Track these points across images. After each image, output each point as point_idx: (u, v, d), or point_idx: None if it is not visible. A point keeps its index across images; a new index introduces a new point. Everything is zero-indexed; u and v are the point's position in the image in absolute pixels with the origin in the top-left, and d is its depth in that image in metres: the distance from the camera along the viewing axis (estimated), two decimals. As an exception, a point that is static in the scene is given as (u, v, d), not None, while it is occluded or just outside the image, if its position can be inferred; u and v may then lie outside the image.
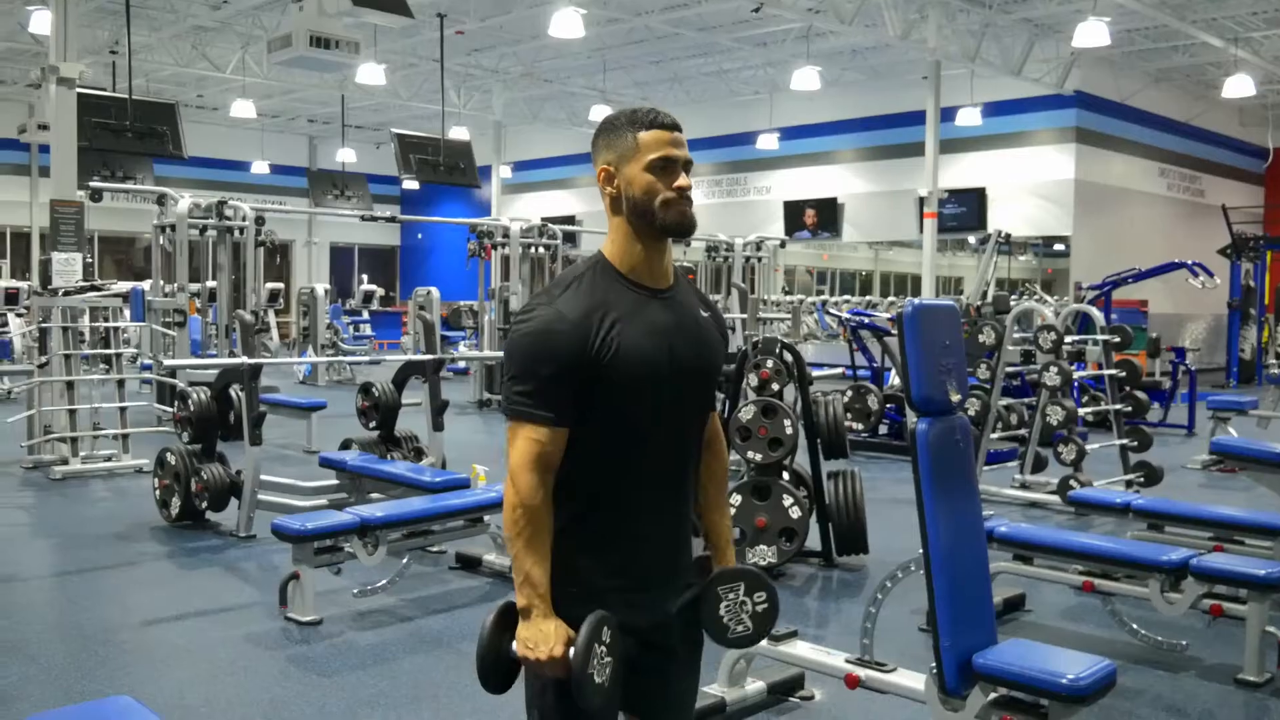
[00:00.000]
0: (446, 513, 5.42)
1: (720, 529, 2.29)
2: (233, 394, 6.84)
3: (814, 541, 6.01)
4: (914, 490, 3.06)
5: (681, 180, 2.04)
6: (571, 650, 1.89)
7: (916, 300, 3.28)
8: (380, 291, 24.21)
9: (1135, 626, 4.65)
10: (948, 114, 17.49)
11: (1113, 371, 8.02)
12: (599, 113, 20.94)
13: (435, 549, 6.01)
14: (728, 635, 2.17)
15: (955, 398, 3.19)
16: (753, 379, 6.00)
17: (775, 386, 5.98)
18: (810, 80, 16.93)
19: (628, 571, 2.04)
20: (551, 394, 1.95)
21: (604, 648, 1.91)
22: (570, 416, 1.97)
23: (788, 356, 6.15)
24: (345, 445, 7.49)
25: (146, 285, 13.32)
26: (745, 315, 10.85)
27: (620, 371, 1.96)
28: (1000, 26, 17.04)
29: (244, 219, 11.93)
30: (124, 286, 13.62)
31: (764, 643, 3.71)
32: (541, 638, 1.90)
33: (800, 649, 3.67)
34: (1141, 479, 7.77)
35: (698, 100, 22.60)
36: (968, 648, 3.09)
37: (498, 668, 1.98)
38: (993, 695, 3.03)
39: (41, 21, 12.47)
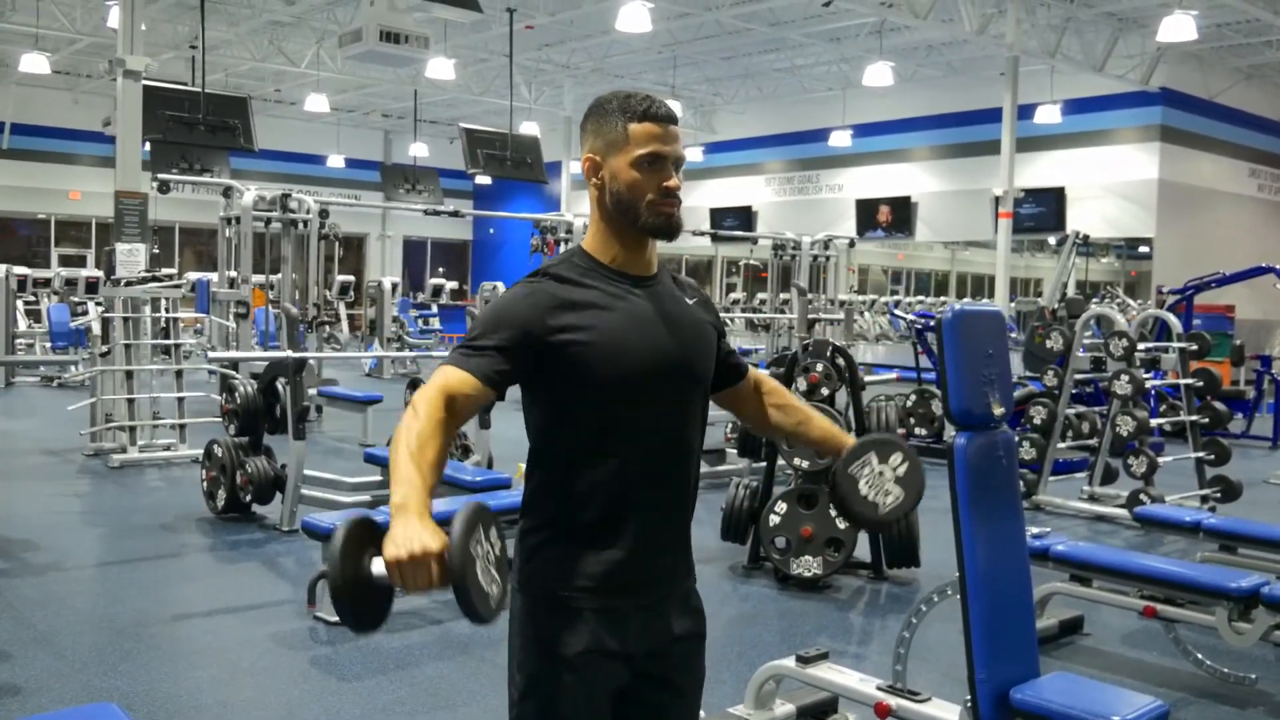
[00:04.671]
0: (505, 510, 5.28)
1: (823, 432, 2.17)
2: (278, 387, 6.81)
3: (864, 553, 5.79)
4: (951, 509, 2.86)
5: (670, 180, 1.89)
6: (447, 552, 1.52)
7: (958, 305, 3.07)
8: (449, 285, 24.35)
9: (1200, 656, 4.36)
10: (1026, 111, 17.00)
11: (1189, 381, 7.64)
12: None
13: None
14: (879, 512, 2.02)
15: (998, 411, 2.98)
16: (801, 383, 5.79)
17: (825, 391, 5.77)
18: (883, 76, 16.58)
19: (623, 579, 1.87)
20: (493, 355, 1.79)
21: (490, 547, 1.58)
22: (499, 383, 1.80)
23: (840, 360, 5.93)
24: (393, 441, 7.44)
25: (213, 277, 13.50)
26: (800, 317, 10.61)
27: (596, 363, 1.82)
28: (1082, 21, 16.51)
29: (308, 212, 11.99)
30: (191, 276, 13.82)
31: (792, 663, 3.53)
32: (415, 533, 1.52)
33: (828, 673, 3.47)
34: (1218, 494, 7.39)
35: (769, 96, 22.34)
36: (1006, 680, 2.88)
37: (361, 593, 1.55)
38: (1031, 734, 2.81)
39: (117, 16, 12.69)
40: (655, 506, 1.92)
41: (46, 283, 17.76)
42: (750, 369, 2.18)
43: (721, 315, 2.22)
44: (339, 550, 1.53)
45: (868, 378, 7.54)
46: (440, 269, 28.36)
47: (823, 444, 2.17)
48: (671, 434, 1.93)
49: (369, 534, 1.57)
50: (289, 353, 6.49)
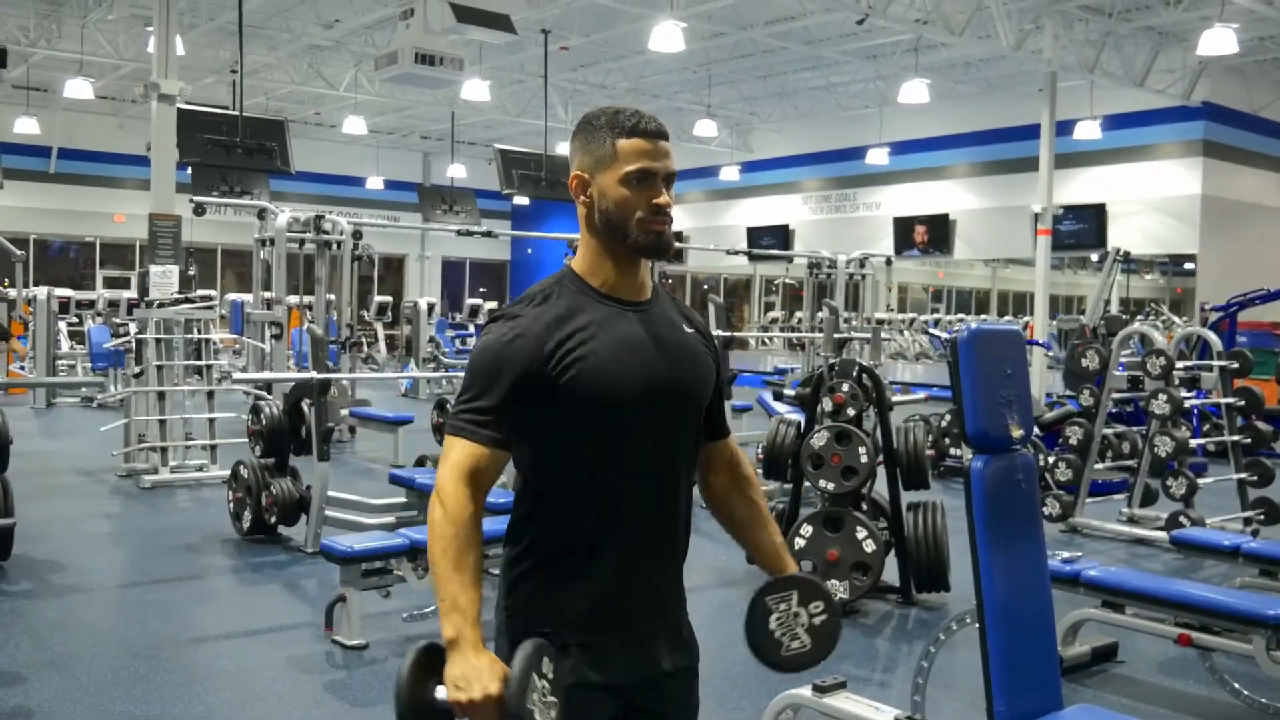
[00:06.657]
0: (500, 538, 5.21)
1: (767, 543, 2.06)
2: (304, 408, 6.81)
3: (892, 576, 5.67)
4: (968, 534, 2.77)
5: (661, 197, 1.84)
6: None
7: (974, 324, 2.98)
8: (487, 305, 24.41)
9: (1237, 686, 4.21)
10: (1065, 127, 16.75)
11: (1230, 400, 7.45)
12: (705, 128, 20.75)
13: (496, 572, 5.82)
14: (781, 654, 1.93)
15: (1017, 433, 2.88)
16: (827, 403, 5.69)
17: (851, 411, 5.66)
18: (919, 93, 16.44)
19: (606, 613, 1.82)
20: (500, 414, 1.75)
21: (545, 682, 1.63)
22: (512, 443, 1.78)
23: (867, 380, 5.83)
24: (420, 462, 7.42)
25: (248, 298, 13.59)
26: (828, 335, 10.46)
27: (586, 388, 1.76)
28: (1121, 35, 16.28)
29: (341, 233, 12.04)
30: (230, 298, 13.92)
31: (808, 693, 3.43)
32: (474, 674, 1.60)
33: (845, 702, 3.36)
34: (1261, 516, 7.19)
35: (806, 115, 22.23)
36: (1026, 713, 2.77)
37: (425, 718, 1.66)
38: (1051, 770, 2.71)
39: (157, 42, 12.81)
40: (643, 536, 1.86)
41: (90, 304, 18.02)
42: (732, 441, 2.08)
43: (760, 334, 2.18)
44: (407, 677, 1.65)
45: (897, 398, 7.39)
46: (480, 289, 28.48)
47: (760, 555, 2.06)
48: (662, 461, 1.87)
49: (435, 659, 1.67)
50: (313, 373, 6.48)
